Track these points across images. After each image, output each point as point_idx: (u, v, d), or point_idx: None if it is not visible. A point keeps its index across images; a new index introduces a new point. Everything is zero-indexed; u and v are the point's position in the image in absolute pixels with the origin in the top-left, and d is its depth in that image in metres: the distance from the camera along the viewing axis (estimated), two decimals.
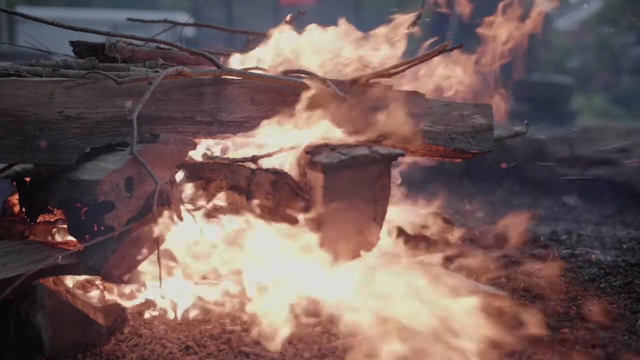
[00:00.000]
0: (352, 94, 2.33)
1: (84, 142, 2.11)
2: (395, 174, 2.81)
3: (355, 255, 2.07)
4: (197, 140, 2.26)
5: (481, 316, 2.04)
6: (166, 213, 1.99)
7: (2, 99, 2.05)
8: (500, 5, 2.65)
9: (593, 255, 3.19)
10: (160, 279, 1.95)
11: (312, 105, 2.22)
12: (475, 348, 1.89)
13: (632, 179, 4.77)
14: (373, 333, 1.99)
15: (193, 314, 2.13)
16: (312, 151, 2.10)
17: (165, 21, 3.15)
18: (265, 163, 2.26)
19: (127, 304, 2.14)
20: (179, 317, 2.11)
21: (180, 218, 2.05)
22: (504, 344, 2.00)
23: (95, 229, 1.92)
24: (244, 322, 2.08)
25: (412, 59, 2.48)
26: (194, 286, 2.19)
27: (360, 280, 2.12)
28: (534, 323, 2.23)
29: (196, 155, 2.33)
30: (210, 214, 2.24)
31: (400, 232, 2.61)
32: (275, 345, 1.93)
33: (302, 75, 2.40)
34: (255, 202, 2.13)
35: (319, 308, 2.10)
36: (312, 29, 2.63)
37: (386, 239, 2.23)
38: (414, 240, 2.65)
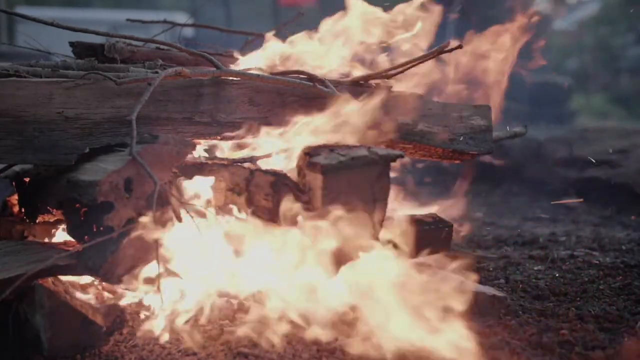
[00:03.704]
0: (351, 95, 2.33)
1: (83, 143, 2.11)
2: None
3: (354, 256, 2.07)
4: (196, 140, 2.26)
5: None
6: (165, 214, 1.99)
7: (2, 99, 2.05)
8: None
9: (592, 257, 3.19)
10: (159, 280, 1.95)
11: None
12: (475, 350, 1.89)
13: (631, 180, 4.77)
14: (372, 334, 2.00)
15: (192, 314, 2.12)
16: (311, 152, 2.10)
17: (165, 22, 3.15)
18: (264, 164, 2.26)
19: (126, 304, 2.14)
20: (177, 317, 2.11)
21: (179, 219, 2.05)
22: (502, 346, 2.01)
23: (95, 230, 1.92)
24: (243, 323, 2.08)
25: (411, 59, 2.48)
26: (193, 287, 2.19)
27: (359, 281, 2.12)
28: (532, 324, 2.24)
29: (195, 155, 2.33)
30: (209, 215, 2.24)
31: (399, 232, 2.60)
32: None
33: (300, 76, 2.40)
34: (254, 203, 2.13)
35: (318, 309, 2.10)
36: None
37: (385, 240, 2.23)
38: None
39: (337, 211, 1.98)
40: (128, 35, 2.49)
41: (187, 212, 2.06)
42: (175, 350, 1.95)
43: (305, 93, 2.33)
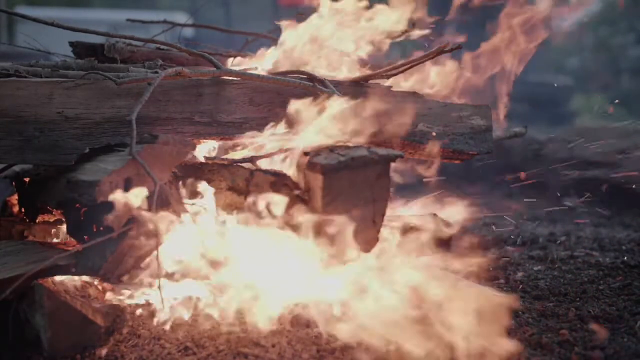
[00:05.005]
0: (351, 94, 2.33)
1: (83, 143, 2.11)
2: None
3: (354, 256, 2.07)
4: (196, 140, 2.26)
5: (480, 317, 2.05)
6: (165, 214, 1.99)
7: (2, 99, 2.06)
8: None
9: (592, 257, 3.19)
10: (159, 280, 1.95)
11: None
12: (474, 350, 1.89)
13: (631, 180, 4.77)
14: (371, 335, 2.00)
15: (191, 314, 2.12)
16: (311, 152, 2.10)
17: (165, 22, 3.15)
18: (264, 164, 2.26)
19: (126, 304, 2.13)
20: (177, 317, 2.11)
21: (179, 219, 2.05)
22: (502, 346, 2.00)
23: (95, 230, 1.92)
24: (243, 323, 2.08)
25: (411, 60, 2.48)
26: (192, 287, 2.19)
27: (359, 281, 2.12)
28: (532, 324, 2.24)
29: (195, 155, 2.33)
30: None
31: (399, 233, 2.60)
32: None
33: (300, 76, 2.40)
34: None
35: (318, 310, 2.10)
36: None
37: (385, 240, 2.23)
38: (412, 241, 2.65)
39: (337, 211, 1.98)
40: (128, 35, 2.49)
41: (187, 212, 2.06)
42: (175, 350, 1.95)
43: (305, 93, 2.33)
